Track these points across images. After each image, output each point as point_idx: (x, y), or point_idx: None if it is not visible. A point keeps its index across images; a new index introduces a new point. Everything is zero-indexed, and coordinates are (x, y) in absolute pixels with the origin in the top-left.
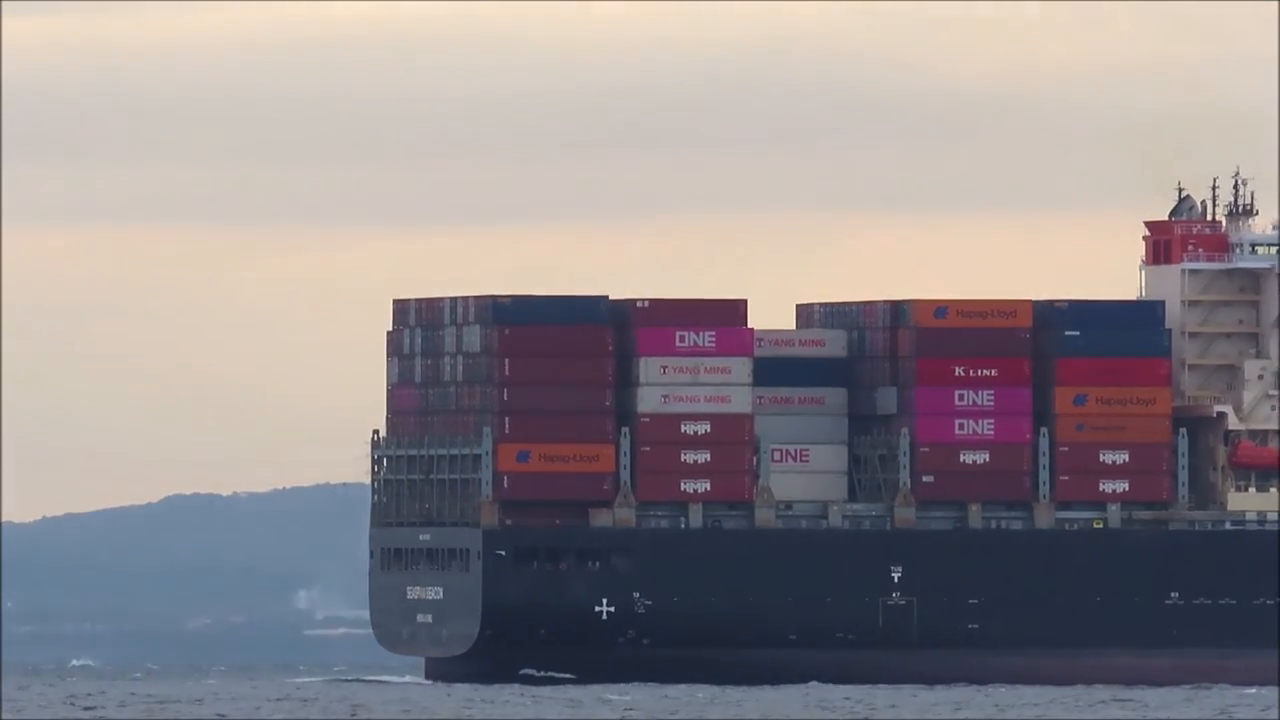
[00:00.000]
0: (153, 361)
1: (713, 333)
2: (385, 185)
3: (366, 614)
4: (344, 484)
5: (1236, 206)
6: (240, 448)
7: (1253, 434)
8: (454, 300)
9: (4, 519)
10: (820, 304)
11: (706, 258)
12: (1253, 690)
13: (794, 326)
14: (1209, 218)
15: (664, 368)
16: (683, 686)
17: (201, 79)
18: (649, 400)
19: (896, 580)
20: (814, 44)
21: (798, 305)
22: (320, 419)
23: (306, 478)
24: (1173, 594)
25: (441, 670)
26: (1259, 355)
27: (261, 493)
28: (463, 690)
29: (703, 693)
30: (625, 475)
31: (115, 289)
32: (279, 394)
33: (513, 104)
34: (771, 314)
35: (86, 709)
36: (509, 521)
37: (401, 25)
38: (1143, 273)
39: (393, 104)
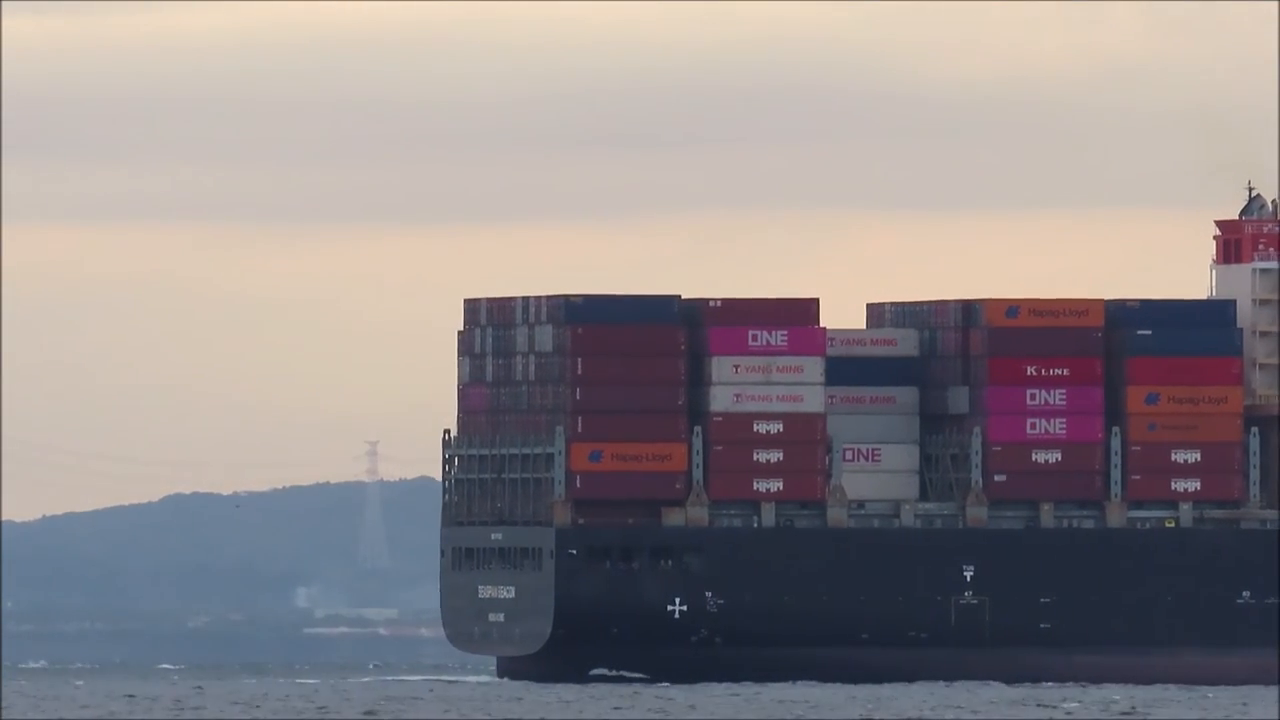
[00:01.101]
0: (152, 362)
1: (785, 332)
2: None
3: (365, 612)
4: (343, 483)
5: None
6: (245, 447)
7: None
8: (526, 300)
9: (4, 518)
10: (891, 303)
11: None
12: None
13: (864, 326)
14: None
15: (736, 367)
16: (753, 686)
17: (201, 79)
18: (721, 399)
19: (969, 579)
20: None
21: (868, 304)
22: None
23: (306, 477)
24: (1244, 593)
25: (513, 669)
26: None
27: (261, 492)
28: (563, 690)
29: (775, 692)
30: (698, 474)
31: (115, 289)
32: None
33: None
34: (841, 313)
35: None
36: (581, 520)
37: (427, 24)
38: (1213, 272)
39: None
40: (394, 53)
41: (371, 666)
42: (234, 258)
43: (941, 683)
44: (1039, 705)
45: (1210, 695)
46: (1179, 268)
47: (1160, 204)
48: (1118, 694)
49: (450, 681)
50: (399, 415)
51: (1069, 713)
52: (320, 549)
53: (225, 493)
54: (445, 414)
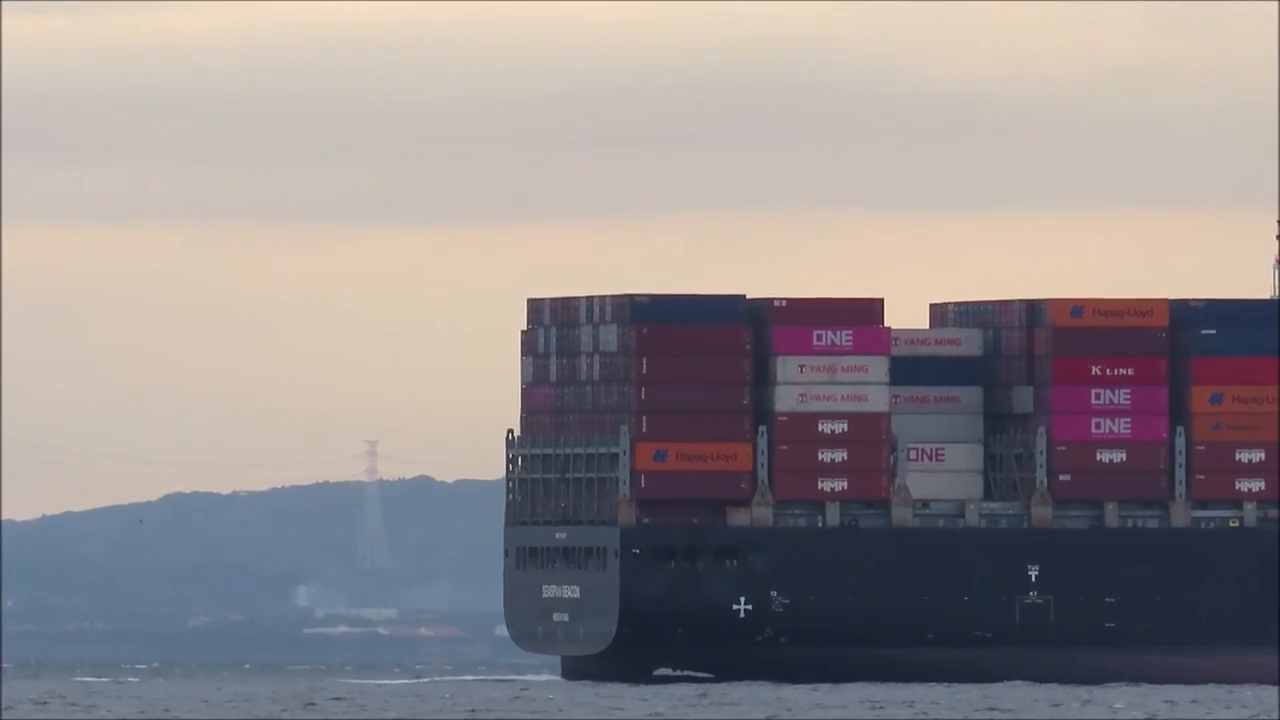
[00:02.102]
0: (152, 362)
1: (850, 331)
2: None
3: (365, 612)
4: (343, 483)
5: None
6: (245, 447)
7: None
8: (590, 299)
9: (4, 518)
10: (954, 303)
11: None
12: None
13: (927, 325)
14: None
15: (801, 366)
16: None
17: (203, 79)
18: (786, 399)
19: (1033, 579)
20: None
21: (931, 304)
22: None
23: (306, 477)
24: None
25: (578, 669)
26: None
27: (261, 491)
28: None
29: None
30: (762, 474)
31: (116, 289)
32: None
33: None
34: (903, 313)
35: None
36: (646, 520)
37: (431, 24)
38: (1276, 271)
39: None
40: (398, 53)
41: (417, 667)
42: (234, 258)
43: (1004, 682)
44: (1084, 704)
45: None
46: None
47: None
48: (1176, 694)
49: (512, 680)
50: (399, 415)
51: (1114, 712)
52: (320, 549)
53: (225, 492)
54: (508, 414)
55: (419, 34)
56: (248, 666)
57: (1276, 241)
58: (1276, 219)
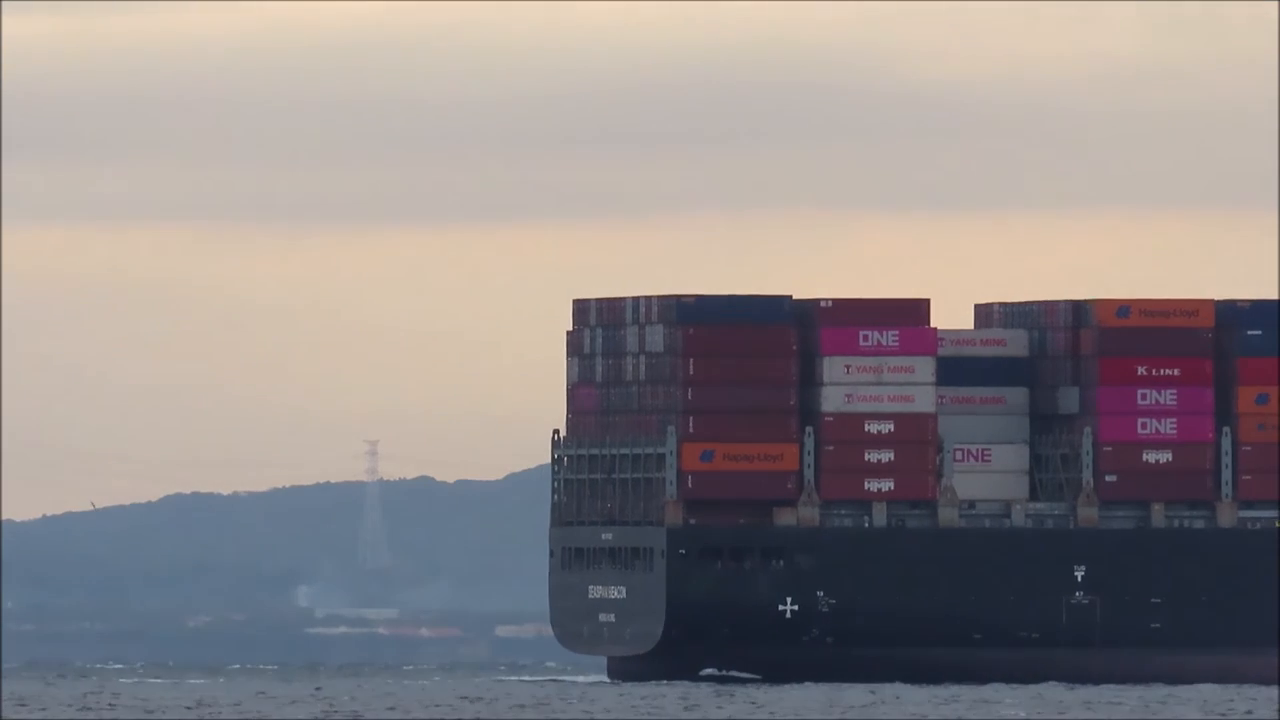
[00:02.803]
0: (152, 362)
1: (896, 332)
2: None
3: (366, 612)
4: (343, 483)
5: None
6: (245, 447)
7: None
8: (636, 300)
9: (4, 518)
10: (999, 303)
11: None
12: None
13: (971, 326)
14: None
15: (847, 367)
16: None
17: (202, 79)
18: (833, 399)
19: (1079, 579)
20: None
21: (976, 305)
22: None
23: (306, 477)
24: None
25: (624, 669)
26: None
27: (261, 491)
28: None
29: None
30: (809, 474)
31: (116, 289)
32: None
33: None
34: (948, 313)
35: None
36: (693, 520)
37: (441, 24)
38: None
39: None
40: (403, 53)
41: (424, 666)
42: (234, 258)
43: (1051, 683)
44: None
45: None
46: None
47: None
48: (1221, 695)
49: (560, 681)
50: (399, 415)
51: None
52: (320, 549)
53: (225, 493)
54: (554, 414)
55: (422, 34)
56: (273, 668)
57: None
58: None
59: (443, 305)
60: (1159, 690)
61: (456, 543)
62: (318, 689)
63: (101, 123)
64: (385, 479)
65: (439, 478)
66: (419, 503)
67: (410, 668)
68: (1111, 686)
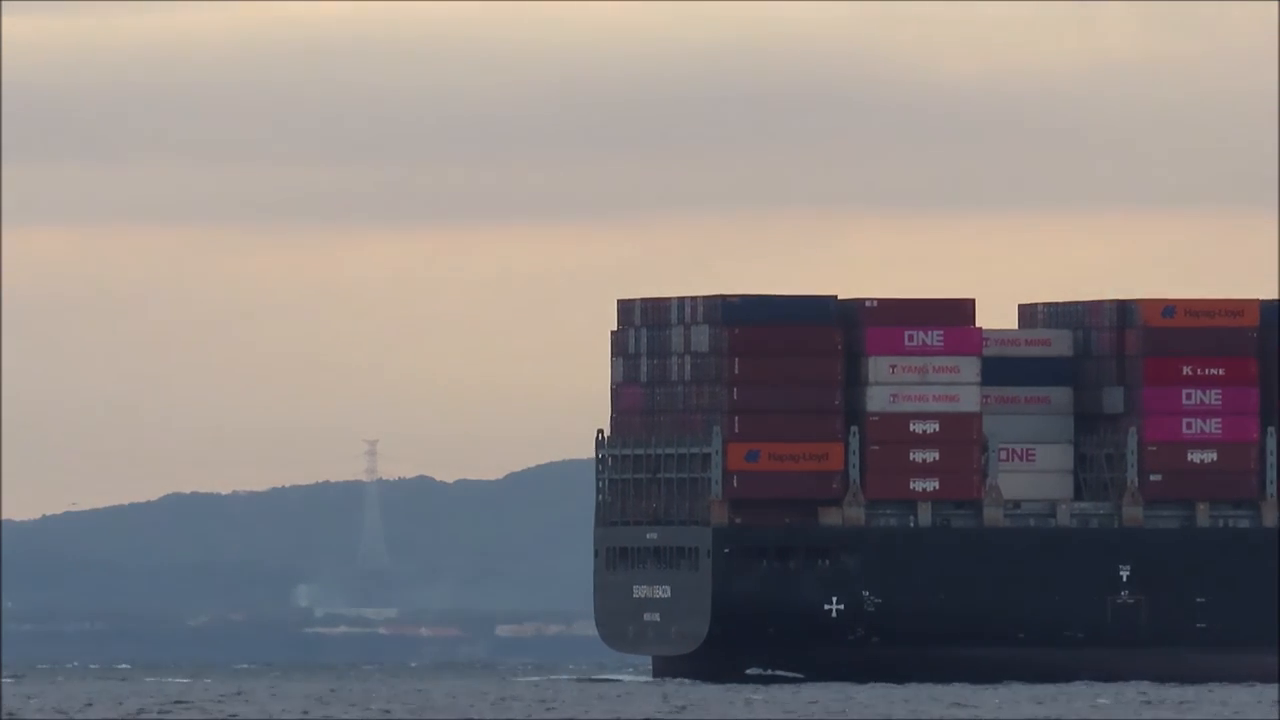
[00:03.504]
0: (152, 362)
1: (941, 332)
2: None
3: (365, 612)
4: (343, 483)
5: None
6: (245, 446)
7: None
8: (681, 300)
9: (4, 518)
10: (1043, 304)
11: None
12: None
13: (1016, 326)
14: None
15: (892, 367)
16: (910, 685)
17: (203, 79)
18: (878, 399)
19: (1125, 579)
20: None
21: (1020, 305)
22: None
23: (306, 476)
24: None
25: (669, 669)
26: None
27: (261, 491)
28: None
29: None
30: (854, 474)
31: (116, 289)
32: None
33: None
34: (992, 313)
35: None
36: (738, 520)
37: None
38: None
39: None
40: (406, 53)
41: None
42: (236, 258)
43: (1095, 682)
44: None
45: None
46: None
47: None
48: (1269, 695)
49: (603, 680)
50: (399, 414)
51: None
52: (320, 549)
53: (225, 492)
54: (599, 414)
55: (429, 34)
56: (328, 677)
57: None
58: None
59: (445, 305)
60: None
61: (456, 543)
62: (329, 688)
63: (101, 123)
64: (385, 479)
65: (439, 478)
66: (419, 503)
67: (415, 665)
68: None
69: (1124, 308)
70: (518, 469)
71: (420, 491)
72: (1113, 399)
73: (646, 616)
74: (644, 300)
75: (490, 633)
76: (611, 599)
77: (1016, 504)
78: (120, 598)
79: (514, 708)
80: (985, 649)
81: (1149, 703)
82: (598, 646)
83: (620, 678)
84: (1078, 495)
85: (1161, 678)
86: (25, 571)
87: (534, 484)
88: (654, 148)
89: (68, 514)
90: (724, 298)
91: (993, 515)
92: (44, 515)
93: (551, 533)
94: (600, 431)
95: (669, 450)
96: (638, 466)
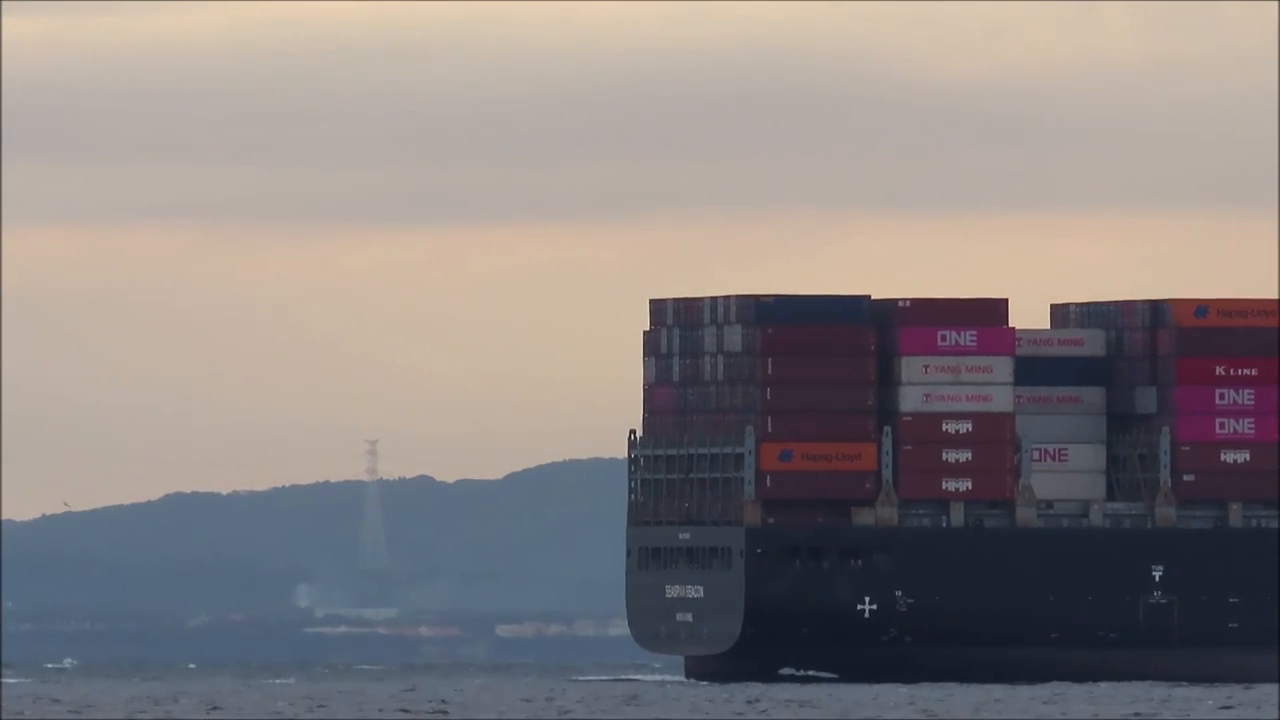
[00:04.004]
0: (152, 362)
1: (974, 332)
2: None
3: (365, 612)
4: (343, 482)
5: None
6: (245, 446)
7: None
8: (714, 300)
9: (4, 518)
10: (1075, 303)
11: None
12: None
13: (1048, 326)
14: None
15: (925, 367)
16: (943, 685)
17: (202, 79)
18: (911, 399)
19: (1157, 579)
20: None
21: (1052, 305)
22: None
23: (306, 476)
24: None
25: (702, 669)
26: None
27: (261, 491)
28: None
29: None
30: (887, 474)
31: (117, 288)
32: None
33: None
34: (1024, 313)
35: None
36: (771, 520)
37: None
38: None
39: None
40: (410, 53)
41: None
42: (236, 258)
43: (1129, 682)
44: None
45: None
46: None
47: None
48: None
49: (636, 680)
50: (399, 414)
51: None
52: (320, 549)
53: (225, 492)
54: (631, 414)
55: (436, 34)
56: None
57: None
58: None
59: (445, 305)
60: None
61: (456, 543)
62: (408, 687)
63: (102, 123)
64: (385, 479)
65: (439, 478)
66: (419, 502)
67: (420, 663)
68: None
69: (1156, 308)
70: (518, 469)
71: (420, 491)
72: (1145, 399)
73: (679, 616)
74: (676, 300)
75: (490, 633)
76: (644, 599)
77: (1049, 504)
78: (120, 597)
79: (599, 706)
80: (1018, 649)
81: (1167, 701)
82: (599, 646)
83: (652, 678)
84: (1110, 495)
85: (1194, 678)
86: (25, 571)
87: (534, 484)
88: (677, 147)
89: (67, 514)
90: (757, 297)
91: (1025, 515)
92: (43, 515)
93: (551, 533)
94: (632, 432)
95: (702, 450)
96: (670, 466)
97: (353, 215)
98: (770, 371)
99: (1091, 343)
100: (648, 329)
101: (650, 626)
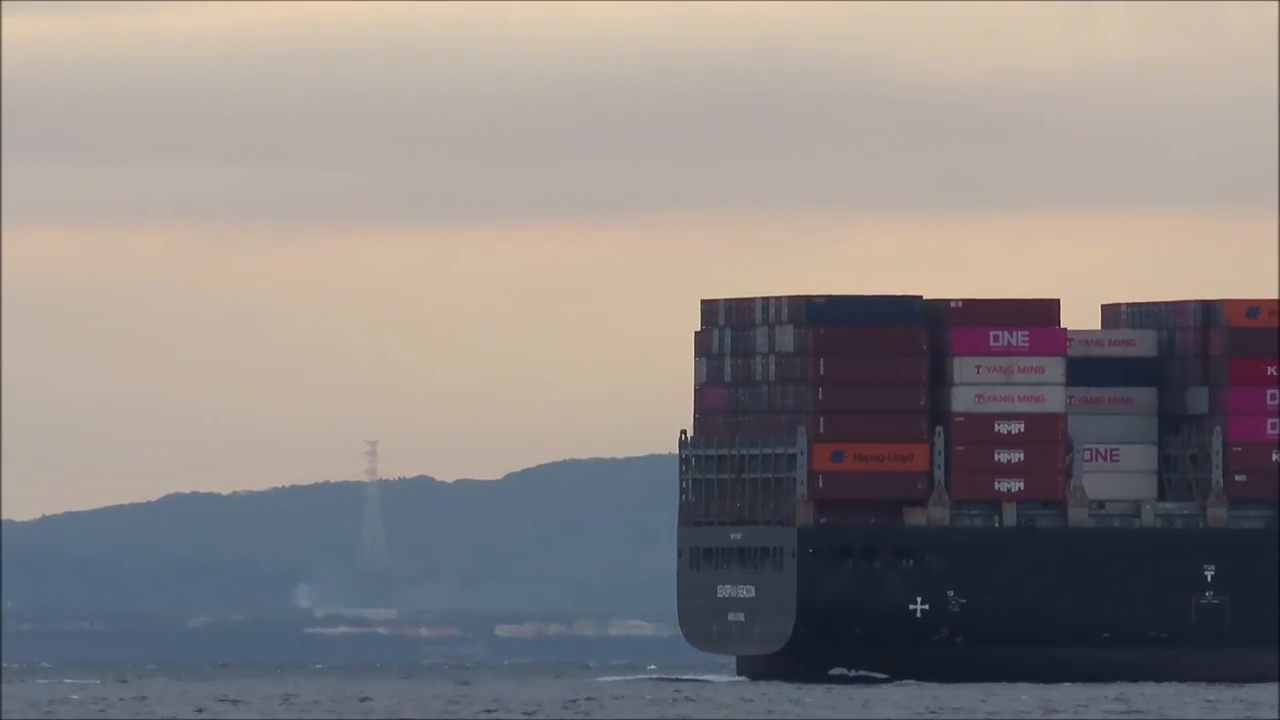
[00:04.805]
0: (152, 362)
1: (1026, 332)
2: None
3: (365, 612)
4: (343, 483)
5: None
6: (245, 446)
7: None
8: (766, 300)
9: (4, 518)
10: (1126, 304)
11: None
12: None
13: (1099, 326)
14: None
15: (978, 367)
16: (996, 685)
17: (202, 79)
18: (963, 400)
19: (1209, 579)
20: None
21: (1103, 305)
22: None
23: (306, 476)
24: None
25: (753, 668)
26: None
27: (261, 491)
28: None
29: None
30: (939, 474)
31: (117, 288)
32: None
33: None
34: (1073, 314)
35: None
36: (823, 520)
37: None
38: None
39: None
40: (412, 53)
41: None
42: (237, 258)
43: (1181, 682)
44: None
45: None
46: None
47: None
48: None
49: (690, 680)
50: (399, 414)
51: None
52: (320, 549)
53: (225, 492)
54: (683, 414)
55: (435, 34)
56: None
57: None
58: None
59: (444, 305)
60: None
61: (456, 543)
62: (460, 684)
63: (102, 123)
64: (385, 479)
65: (439, 478)
66: (419, 503)
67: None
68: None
69: (1208, 308)
70: (517, 469)
71: (420, 491)
72: (1197, 399)
73: (730, 616)
74: (727, 300)
75: (490, 633)
76: (695, 599)
77: (1101, 504)
78: (120, 598)
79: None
80: (1069, 649)
81: (1212, 702)
82: (600, 646)
83: (710, 678)
84: (1161, 496)
85: (1245, 678)
86: (25, 571)
87: (533, 484)
88: (677, 146)
89: (67, 514)
90: (809, 298)
91: (1077, 516)
92: (43, 515)
93: (551, 533)
94: (683, 432)
95: (753, 450)
96: (722, 467)
97: (353, 215)
98: (823, 372)
99: (1143, 343)
100: (699, 329)
101: (701, 626)
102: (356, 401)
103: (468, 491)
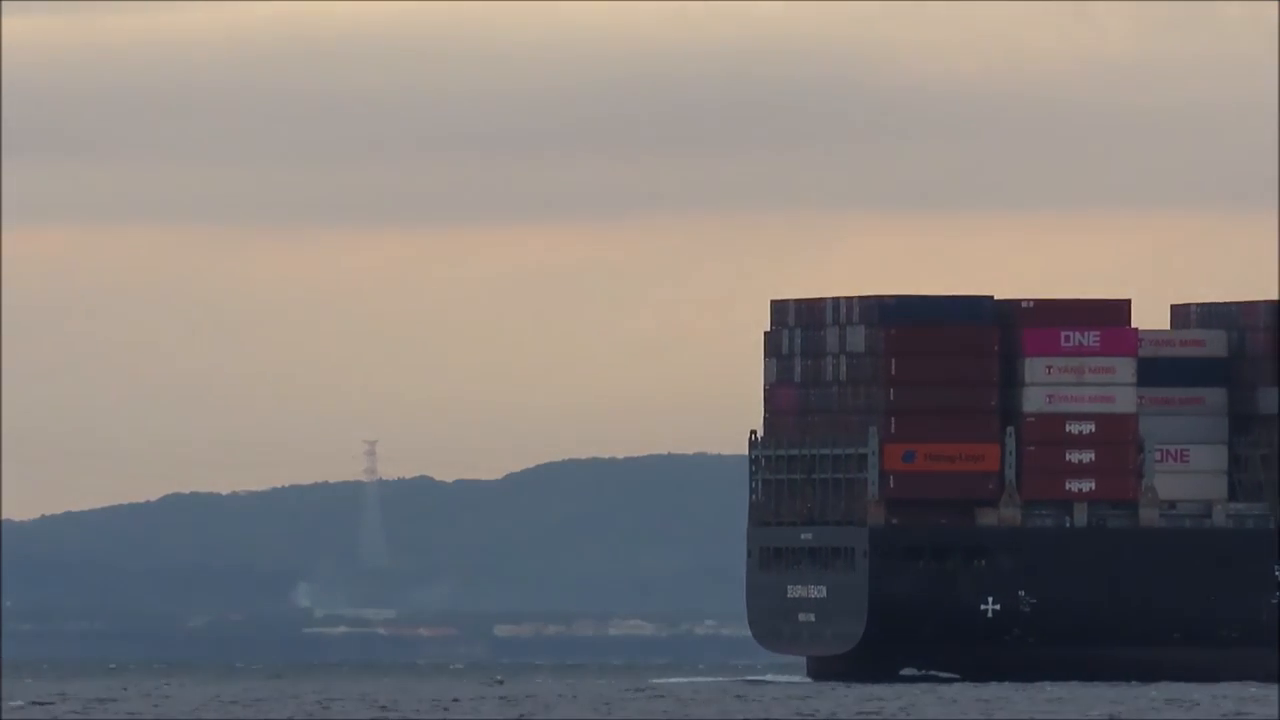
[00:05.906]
0: (152, 362)
1: (1097, 333)
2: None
3: (365, 612)
4: (343, 482)
5: None
6: (245, 446)
7: None
8: (836, 300)
9: (4, 517)
10: (1196, 304)
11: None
12: None
13: (1168, 326)
14: None
15: (1049, 368)
16: (1067, 685)
17: (201, 79)
18: (1034, 400)
19: None
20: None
21: (1173, 305)
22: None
23: (306, 476)
24: None
25: (824, 669)
26: None
27: (261, 491)
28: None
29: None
30: (1010, 474)
31: (117, 289)
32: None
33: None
34: (1143, 313)
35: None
36: (895, 520)
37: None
38: None
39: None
40: (414, 54)
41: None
42: (237, 258)
43: (1252, 682)
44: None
45: None
46: None
47: None
48: None
49: (756, 681)
50: (398, 415)
51: None
52: (320, 549)
53: (225, 492)
54: (753, 415)
55: (436, 34)
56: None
57: None
58: None
59: (444, 305)
60: None
61: (456, 543)
62: (499, 678)
63: (101, 122)
64: (385, 479)
65: (438, 478)
66: (418, 503)
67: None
68: None
69: (1278, 308)
70: (517, 469)
71: (420, 491)
72: (1267, 399)
73: (801, 616)
74: (798, 301)
75: (489, 633)
76: (765, 599)
77: (1172, 504)
78: (119, 598)
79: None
80: (1140, 649)
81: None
82: (599, 646)
83: (777, 679)
84: (1232, 496)
85: None
86: (25, 571)
87: (533, 484)
88: (682, 146)
89: (67, 514)
90: (880, 298)
91: (1148, 516)
92: (43, 515)
93: (551, 533)
94: (753, 432)
95: (824, 451)
96: (792, 467)
97: (353, 215)
98: (894, 372)
99: (1213, 343)
100: (768, 329)
101: (771, 626)
102: (356, 401)
103: (467, 491)
